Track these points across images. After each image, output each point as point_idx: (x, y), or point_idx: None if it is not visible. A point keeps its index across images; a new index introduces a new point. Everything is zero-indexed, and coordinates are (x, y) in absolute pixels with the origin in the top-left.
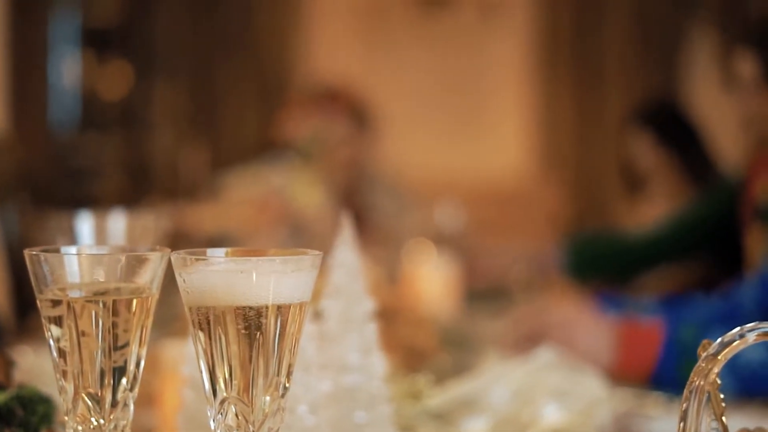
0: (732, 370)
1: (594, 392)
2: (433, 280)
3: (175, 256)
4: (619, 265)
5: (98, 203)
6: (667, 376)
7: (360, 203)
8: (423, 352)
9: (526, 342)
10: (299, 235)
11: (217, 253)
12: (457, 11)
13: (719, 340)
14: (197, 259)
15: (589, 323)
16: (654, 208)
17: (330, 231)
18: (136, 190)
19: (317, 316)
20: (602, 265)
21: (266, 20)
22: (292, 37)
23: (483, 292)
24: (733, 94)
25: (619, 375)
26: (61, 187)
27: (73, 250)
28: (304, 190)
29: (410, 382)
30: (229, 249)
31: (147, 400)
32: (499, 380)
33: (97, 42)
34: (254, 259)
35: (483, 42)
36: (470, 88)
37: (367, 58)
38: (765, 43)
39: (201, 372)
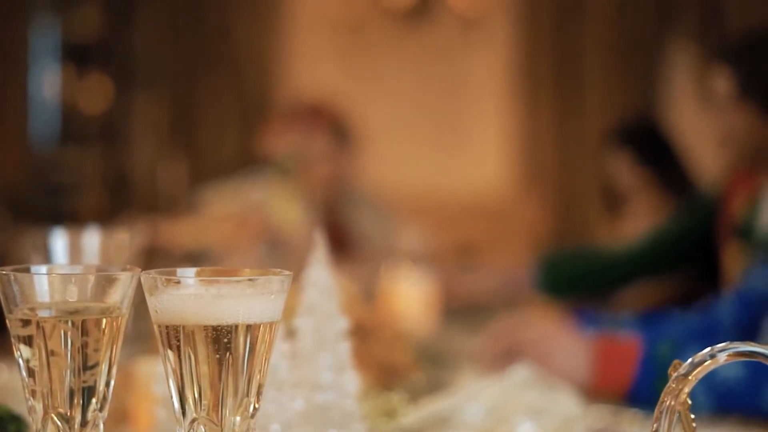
0: (708, 387)
1: (569, 409)
2: (411, 297)
3: (145, 277)
4: (597, 281)
5: (78, 218)
6: (644, 393)
7: (340, 219)
8: (398, 369)
9: (503, 358)
10: (277, 251)
11: (187, 274)
12: (437, 26)
13: (690, 360)
14: (167, 280)
15: (565, 339)
16: (634, 226)
17: (308, 247)
18: (115, 204)
19: (290, 334)
20: (579, 282)
21: (246, 35)
22: (272, 52)
23: (461, 309)
24: (710, 110)
25: (596, 391)
26: (41, 202)
27: (42, 269)
28: (283, 205)
29: (384, 399)
30: (199, 269)
31: (121, 418)
32: (474, 397)
33: (77, 56)
34: (223, 280)
35: (463, 56)
36: (450, 103)
37: (347, 73)
38: (741, 60)
39: (170, 391)
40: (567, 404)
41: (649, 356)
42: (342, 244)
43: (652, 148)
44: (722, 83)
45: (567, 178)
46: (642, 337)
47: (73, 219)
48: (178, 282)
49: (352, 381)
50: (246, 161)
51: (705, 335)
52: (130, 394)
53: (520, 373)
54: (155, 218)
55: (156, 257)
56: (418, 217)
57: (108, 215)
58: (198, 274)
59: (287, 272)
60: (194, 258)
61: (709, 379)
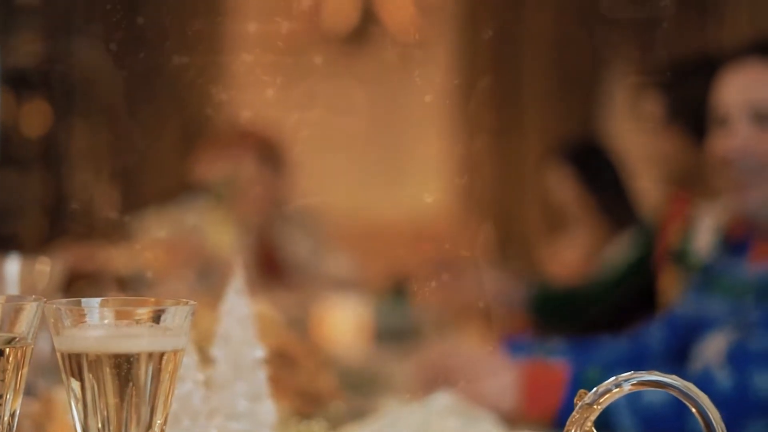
0: (634, 411)
1: None
2: (344, 322)
3: (48, 308)
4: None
5: (16, 242)
6: None
7: (273, 244)
8: (320, 397)
9: (430, 384)
10: (208, 277)
11: (90, 304)
12: (376, 49)
13: (594, 389)
14: (70, 311)
15: (494, 365)
16: (573, 249)
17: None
18: (53, 229)
19: (207, 362)
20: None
21: (186, 60)
22: (212, 77)
23: (392, 335)
24: (643, 133)
25: (525, 416)
26: None
27: None
28: (216, 231)
29: (304, 428)
30: (104, 298)
31: None
32: (395, 424)
33: (16, 81)
34: (127, 310)
35: (402, 80)
36: (389, 126)
37: (286, 96)
38: (670, 85)
39: (74, 421)
40: (488, 431)
41: (577, 381)
42: (275, 268)
43: (594, 164)
44: (653, 107)
45: (507, 202)
46: (571, 362)
47: (11, 243)
48: (83, 313)
49: (268, 410)
50: (185, 188)
51: (635, 360)
52: (51, 421)
53: (441, 400)
54: (91, 244)
55: (85, 283)
56: (354, 242)
57: (46, 239)
58: (102, 305)
59: (192, 302)
60: (128, 283)
61: (634, 403)
